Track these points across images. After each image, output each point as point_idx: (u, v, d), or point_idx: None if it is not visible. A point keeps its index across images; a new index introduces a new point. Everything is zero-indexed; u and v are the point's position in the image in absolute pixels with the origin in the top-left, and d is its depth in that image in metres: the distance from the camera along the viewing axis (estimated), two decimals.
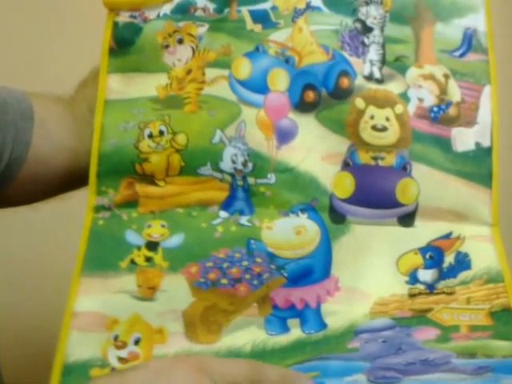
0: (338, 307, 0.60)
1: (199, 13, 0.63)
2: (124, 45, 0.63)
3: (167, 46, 0.63)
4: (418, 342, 0.56)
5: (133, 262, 0.60)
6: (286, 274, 0.60)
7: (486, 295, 0.59)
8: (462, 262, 0.61)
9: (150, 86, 0.62)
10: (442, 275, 0.61)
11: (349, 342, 0.57)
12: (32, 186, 0.63)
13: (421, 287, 0.61)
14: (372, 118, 0.61)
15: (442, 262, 0.61)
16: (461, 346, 0.54)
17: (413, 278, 0.61)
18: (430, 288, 0.60)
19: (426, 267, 0.62)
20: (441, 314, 0.59)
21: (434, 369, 0.52)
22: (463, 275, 0.60)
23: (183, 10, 0.63)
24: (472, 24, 0.65)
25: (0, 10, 0.94)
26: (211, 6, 0.63)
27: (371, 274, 0.61)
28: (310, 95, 0.62)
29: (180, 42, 0.62)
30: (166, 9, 0.63)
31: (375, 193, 0.62)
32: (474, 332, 0.56)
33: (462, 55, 0.65)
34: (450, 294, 0.60)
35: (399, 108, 0.62)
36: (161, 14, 0.63)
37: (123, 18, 0.64)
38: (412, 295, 0.60)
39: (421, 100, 0.63)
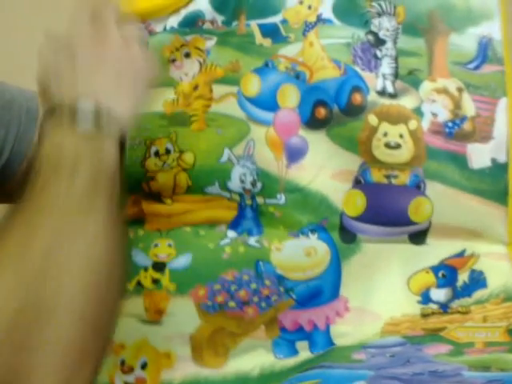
0: (348, 328, 0.59)
1: (207, 25, 0.62)
2: None
3: (174, 60, 0.61)
4: (429, 355, 0.55)
5: (139, 283, 0.59)
6: (294, 296, 0.60)
7: (504, 313, 0.58)
8: (477, 281, 0.60)
9: (156, 100, 0.61)
10: (456, 294, 0.60)
11: (354, 354, 0.56)
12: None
13: (433, 307, 0.59)
14: (385, 135, 0.60)
15: (455, 280, 0.60)
16: (474, 360, 0.53)
17: (425, 298, 0.60)
18: (444, 308, 0.59)
19: (439, 286, 0.60)
20: (455, 333, 0.58)
21: (442, 380, 0.51)
22: (479, 294, 0.59)
23: (191, 23, 0.62)
24: (487, 32, 0.64)
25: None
26: (219, 19, 0.62)
27: (381, 293, 0.60)
28: (322, 112, 0.60)
29: (187, 55, 0.61)
30: (173, 21, 0.62)
31: (387, 211, 0.61)
32: (489, 347, 0.55)
33: (476, 67, 0.63)
34: (465, 313, 0.59)
35: (413, 124, 0.61)
36: (167, 27, 0.62)
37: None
38: (425, 315, 0.59)
39: (435, 115, 0.61)
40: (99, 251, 0.43)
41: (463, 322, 0.57)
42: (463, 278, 0.60)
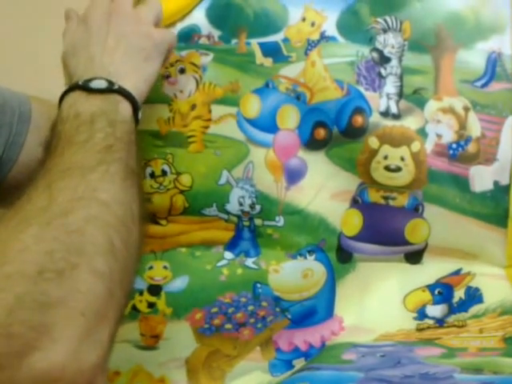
0: (343, 340, 0.59)
1: (203, 40, 0.60)
2: None
3: (168, 76, 0.59)
4: (420, 357, 0.55)
5: (135, 308, 0.59)
6: (289, 316, 0.60)
7: (501, 325, 0.58)
8: (473, 297, 0.60)
9: (149, 117, 0.60)
10: (453, 310, 0.60)
11: (344, 353, 0.56)
12: (18, 190, 0.61)
13: (429, 322, 0.60)
14: (386, 158, 0.59)
15: (451, 297, 0.60)
16: (466, 362, 0.53)
17: (421, 314, 0.60)
18: (440, 322, 0.60)
19: (435, 303, 0.61)
20: (450, 341, 0.58)
21: (433, 383, 0.51)
22: (475, 309, 0.59)
23: (186, 38, 0.61)
24: (497, 47, 0.62)
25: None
26: (216, 34, 0.60)
27: (376, 311, 0.60)
28: (321, 133, 0.60)
29: (182, 71, 0.59)
30: None
31: (383, 231, 0.61)
32: (482, 352, 0.56)
33: (484, 85, 0.61)
34: (461, 326, 0.59)
35: (416, 146, 0.59)
36: None
37: None
38: (420, 329, 0.59)
39: (439, 136, 0.60)
40: (121, 201, 0.43)
41: (459, 333, 0.58)
42: (459, 294, 0.60)
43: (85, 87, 0.49)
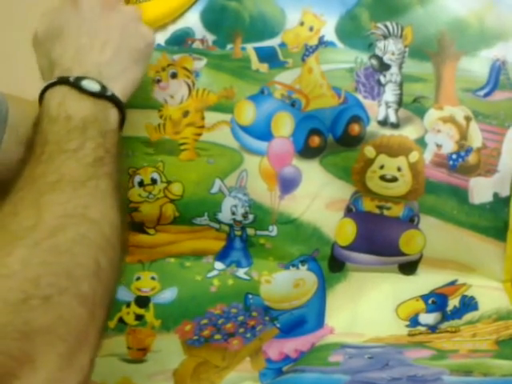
0: (331, 341, 0.59)
1: (197, 45, 0.59)
2: None
3: (159, 81, 0.57)
4: (409, 359, 0.55)
5: (122, 320, 0.58)
6: (278, 325, 0.60)
7: (495, 330, 0.58)
8: (468, 305, 0.60)
9: (137, 123, 0.58)
10: (446, 317, 0.60)
11: (331, 355, 0.56)
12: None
13: (422, 329, 0.59)
14: (382, 167, 0.58)
15: (445, 306, 0.60)
16: (456, 364, 0.53)
17: (413, 322, 0.60)
18: (432, 329, 0.60)
19: (428, 311, 0.60)
20: (441, 344, 0.58)
21: None
22: (469, 316, 0.59)
23: (179, 41, 0.59)
24: (501, 54, 0.61)
25: None
26: (211, 38, 0.59)
27: (367, 319, 0.60)
28: (315, 140, 0.59)
29: (174, 76, 0.58)
30: (160, 38, 0.59)
31: (377, 241, 0.60)
32: (473, 353, 0.55)
33: (486, 94, 0.60)
34: (454, 332, 0.59)
35: (414, 156, 0.59)
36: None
37: None
38: (412, 335, 0.59)
39: (439, 146, 0.59)
40: (110, 220, 0.42)
41: (451, 338, 0.58)
42: (454, 303, 0.60)
43: (76, 85, 0.46)
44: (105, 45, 0.49)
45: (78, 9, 0.50)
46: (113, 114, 0.48)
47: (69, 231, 0.39)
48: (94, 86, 0.47)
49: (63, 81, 0.47)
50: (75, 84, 0.46)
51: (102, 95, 0.47)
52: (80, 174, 0.42)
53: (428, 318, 0.59)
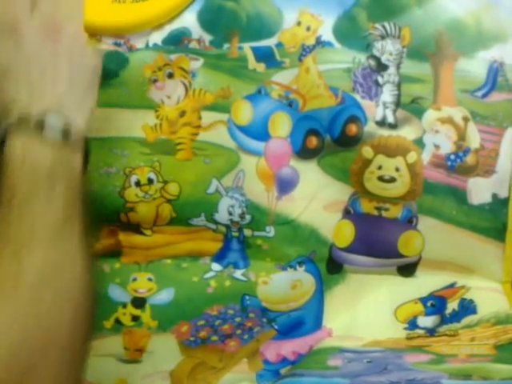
0: (330, 344, 0.59)
1: (193, 44, 0.59)
2: (106, 77, 0.55)
3: (155, 81, 0.57)
4: (408, 363, 0.55)
5: (118, 321, 0.58)
6: (276, 327, 0.59)
7: (494, 334, 0.58)
8: (467, 308, 0.60)
9: (134, 124, 0.58)
10: (445, 320, 0.60)
11: (330, 359, 0.56)
12: None
13: (420, 332, 0.59)
14: (380, 168, 0.58)
15: (444, 308, 0.60)
16: (455, 368, 0.53)
17: (412, 325, 0.60)
18: (431, 332, 0.59)
19: (427, 314, 0.60)
20: (439, 348, 0.57)
21: None
22: (468, 319, 0.59)
23: (176, 41, 0.59)
24: (499, 56, 0.61)
25: None
26: (207, 38, 0.58)
27: (366, 321, 0.59)
28: (313, 141, 0.59)
29: (170, 76, 0.58)
30: (157, 38, 0.59)
31: (375, 242, 0.60)
32: (472, 358, 0.55)
33: (484, 95, 0.60)
34: (453, 335, 0.58)
35: (412, 156, 0.58)
36: (150, 44, 0.58)
37: (106, 45, 0.57)
38: (410, 338, 0.59)
39: (437, 147, 0.59)
40: (83, 277, 0.43)
41: (450, 342, 0.57)
42: (452, 306, 0.60)
43: (38, 127, 0.44)
44: (56, 77, 0.47)
45: (19, 43, 0.47)
46: (77, 157, 0.46)
47: (47, 289, 0.40)
48: (57, 126, 0.45)
49: (24, 123, 0.45)
50: (37, 126, 0.44)
51: (66, 139, 0.45)
52: (52, 230, 0.42)
53: (427, 321, 0.59)
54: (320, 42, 0.58)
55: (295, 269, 0.59)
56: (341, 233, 0.59)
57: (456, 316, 0.59)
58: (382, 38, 0.59)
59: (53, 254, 0.42)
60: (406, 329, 0.59)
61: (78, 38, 0.50)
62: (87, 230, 0.45)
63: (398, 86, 0.59)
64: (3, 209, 0.43)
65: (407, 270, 0.60)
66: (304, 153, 0.59)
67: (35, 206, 0.43)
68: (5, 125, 0.45)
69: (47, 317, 0.40)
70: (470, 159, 0.60)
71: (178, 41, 0.58)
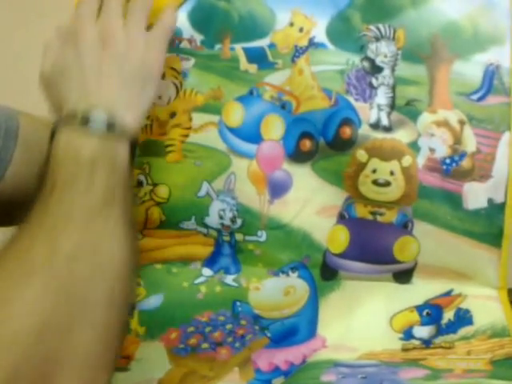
0: (324, 357, 0.57)
1: (184, 44, 0.58)
2: None
3: None
4: (403, 380, 0.54)
5: None
6: (269, 335, 0.58)
7: (490, 348, 0.57)
8: (463, 318, 0.59)
9: None
10: (441, 331, 0.59)
11: (324, 374, 0.55)
12: (5, 207, 0.59)
13: (416, 343, 0.58)
14: (374, 171, 0.57)
15: (440, 318, 0.59)
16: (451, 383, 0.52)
17: (407, 335, 0.59)
18: (427, 343, 0.58)
19: (423, 324, 0.59)
20: (435, 362, 0.56)
21: None
22: (464, 330, 0.58)
23: None
24: (495, 59, 0.60)
25: None
26: (198, 38, 0.58)
27: (361, 331, 0.58)
28: (307, 144, 0.58)
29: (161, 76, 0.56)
30: None
31: (371, 248, 0.59)
32: (468, 373, 0.54)
33: (480, 98, 0.59)
34: (449, 348, 0.57)
35: (407, 160, 0.58)
36: None
37: None
38: (406, 350, 0.58)
39: (432, 150, 0.58)
40: (120, 255, 0.43)
41: (446, 355, 0.56)
42: (448, 315, 0.59)
43: (83, 122, 0.47)
44: (107, 80, 0.50)
45: (78, 49, 0.51)
46: (122, 148, 0.47)
47: (83, 261, 0.41)
48: (101, 122, 0.47)
49: (71, 119, 0.47)
50: (83, 121, 0.47)
51: (110, 130, 0.47)
52: (89, 214, 0.44)
53: (422, 331, 0.58)
54: (313, 44, 0.58)
55: (288, 274, 0.58)
56: (335, 238, 0.59)
57: (452, 326, 0.58)
58: (377, 39, 0.58)
59: (88, 236, 0.43)
60: (401, 339, 0.58)
61: (134, 44, 0.51)
62: (132, 214, 0.46)
63: (393, 88, 0.58)
64: (44, 198, 0.44)
65: (403, 276, 0.59)
66: (297, 156, 0.58)
67: (73, 193, 0.44)
68: (55, 122, 0.48)
69: (79, 294, 0.40)
70: (465, 163, 0.59)
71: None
